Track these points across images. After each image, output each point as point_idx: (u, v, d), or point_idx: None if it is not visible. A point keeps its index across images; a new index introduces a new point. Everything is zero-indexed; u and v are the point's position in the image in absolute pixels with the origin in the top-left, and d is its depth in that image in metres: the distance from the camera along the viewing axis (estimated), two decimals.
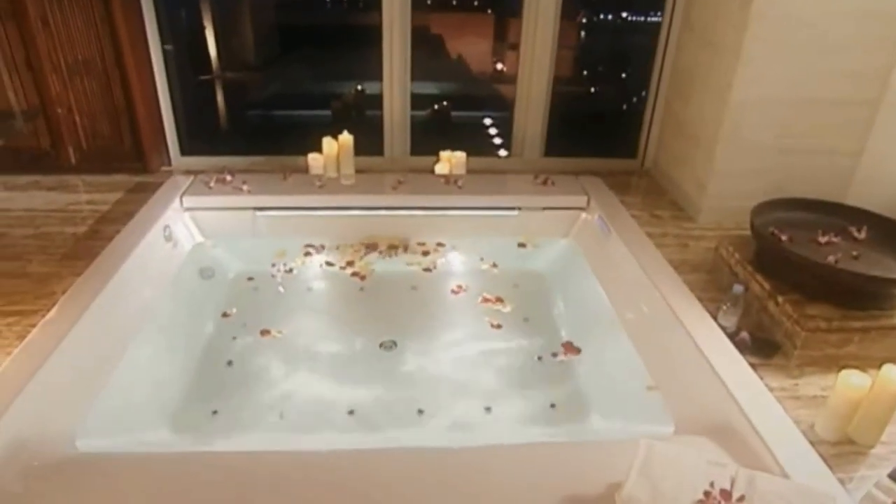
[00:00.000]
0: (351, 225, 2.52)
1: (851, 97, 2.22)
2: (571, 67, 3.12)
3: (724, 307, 1.76)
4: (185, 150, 2.87)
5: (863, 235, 1.89)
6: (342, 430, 1.75)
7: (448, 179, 2.64)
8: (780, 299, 1.71)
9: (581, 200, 2.49)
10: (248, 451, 1.47)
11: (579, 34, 3.14)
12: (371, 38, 2.79)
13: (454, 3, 3.46)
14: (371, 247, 2.52)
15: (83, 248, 2.10)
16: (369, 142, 2.91)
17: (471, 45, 3.48)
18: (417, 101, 3.07)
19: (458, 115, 3.41)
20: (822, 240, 1.84)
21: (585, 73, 3.15)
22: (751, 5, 2.10)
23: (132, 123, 2.65)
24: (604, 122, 3.31)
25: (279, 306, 2.29)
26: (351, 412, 1.79)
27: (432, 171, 2.74)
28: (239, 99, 3.36)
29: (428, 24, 3.33)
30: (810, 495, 1.16)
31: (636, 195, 2.69)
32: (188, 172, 2.72)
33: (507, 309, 2.28)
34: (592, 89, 3.20)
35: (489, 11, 3.40)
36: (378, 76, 2.82)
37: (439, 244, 2.54)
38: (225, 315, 2.21)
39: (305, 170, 2.68)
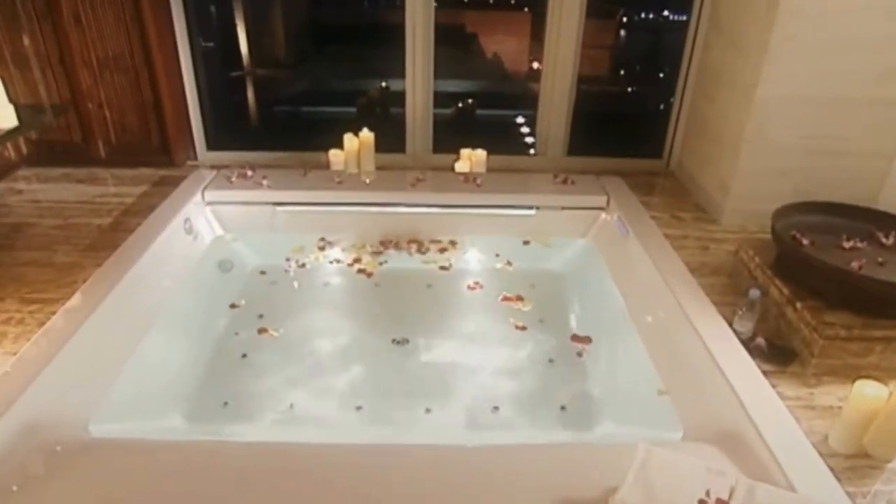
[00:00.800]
0: (368, 221, 2.53)
1: (883, 97, 2.15)
2: (601, 66, 3.08)
3: (740, 312, 1.72)
4: (212, 145, 2.92)
5: (891, 241, 1.82)
6: (348, 424, 1.75)
7: (467, 177, 2.64)
8: (798, 305, 1.66)
9: (601, 200, 2.46)
10: (257, 441, 1.49)
11: (618, 33, 3.10)
12: (397, 35, 2.77)
13: (491, 1, 3.45)
14: (386, 244, 2.53)
15: (106, 239, 2.15)
16: (393, 139, 2.93)
17: (505, 44, 3.47)
18: (445, 98, 3.08)
19: (488, 114, 3.41)
20: (847, 245, 1.78)
21: (619, 72, 3.11)
22: (779, 4, 2.05)
23: (159, 119, 2.71)
24: (630, 122, 3.27)
25: (292, 301, 2.30)
26: (359, 408, 1.79)
27: (452, 169, 2.75)
28: (267, 95, 3.41)
29: (463, 23, 3.33)
30: None
31: (659, 196, 2.66)
32: (214, 167, 2.78)
33: (527, 308, 2.27)
34: (622, 88, 3.16)
35: (525, 10, 3.37)
36: (403, 74, 2.85)
37: (453, 242, 2.53)
38: (234, 306, 2.23)
39: (327, 166, 2.73)
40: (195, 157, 2.89)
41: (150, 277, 1.97)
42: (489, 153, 2.81)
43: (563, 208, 2.46)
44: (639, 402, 1.74)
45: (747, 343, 1.65)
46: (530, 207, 2.47)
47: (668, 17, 2.80)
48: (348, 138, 2.67)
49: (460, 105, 3.17)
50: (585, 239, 2.46)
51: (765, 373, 1.54)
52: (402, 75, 2.80)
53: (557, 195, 2.47)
